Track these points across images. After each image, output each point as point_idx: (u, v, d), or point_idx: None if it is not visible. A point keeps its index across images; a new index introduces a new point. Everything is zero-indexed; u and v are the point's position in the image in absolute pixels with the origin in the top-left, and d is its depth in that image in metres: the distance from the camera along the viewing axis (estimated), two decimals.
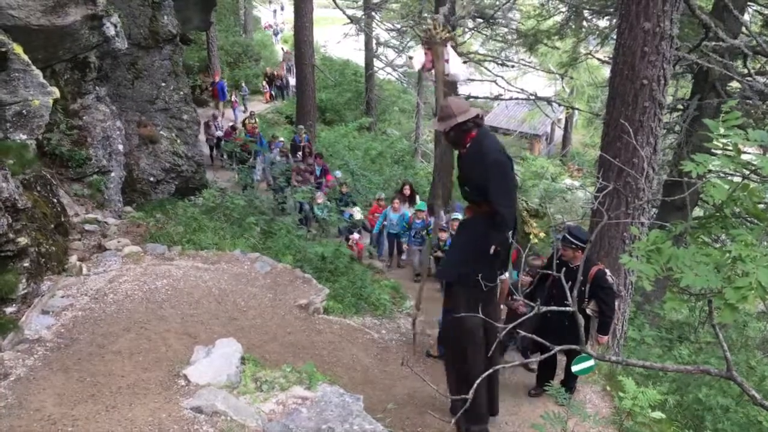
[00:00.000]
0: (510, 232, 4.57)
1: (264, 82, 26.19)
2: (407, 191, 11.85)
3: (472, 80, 18.51)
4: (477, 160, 4.66)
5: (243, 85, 24.10)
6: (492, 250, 4.64)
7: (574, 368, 5.42)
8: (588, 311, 5.72)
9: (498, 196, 4.54)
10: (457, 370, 5.17)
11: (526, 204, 4.87)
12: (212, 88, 21.46)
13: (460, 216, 8.57)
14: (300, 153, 15.72)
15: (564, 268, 5.41)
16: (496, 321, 5.31)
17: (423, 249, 10.23)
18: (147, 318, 5.42)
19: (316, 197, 12.23)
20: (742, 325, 9.48)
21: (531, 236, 4.76)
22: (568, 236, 5.56)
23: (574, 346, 3.25)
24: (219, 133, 16.95)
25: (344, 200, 13.02)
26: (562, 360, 6.20)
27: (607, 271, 5.77)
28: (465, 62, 4.65)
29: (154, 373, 4.42)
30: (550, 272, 5.06)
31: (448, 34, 4.74)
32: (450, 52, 4.81)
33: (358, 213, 11.71)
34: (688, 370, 3.11)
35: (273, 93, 26.42)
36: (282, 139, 17.31)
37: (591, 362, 5.37)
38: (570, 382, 6.03)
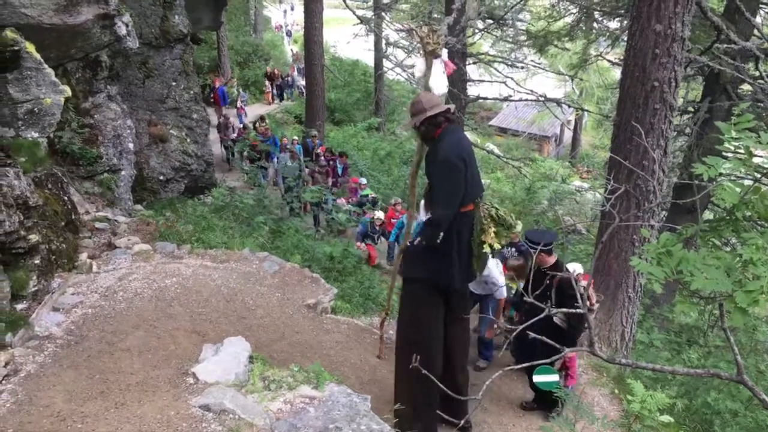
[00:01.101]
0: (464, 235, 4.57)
1: (267, 83, 26.02)
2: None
3: (482, 81, 18.46)
4: (432, 156, 4.59)
5: (242, 91, 23.68)
6: (415, 242, 4.74)
7: (536, 378, 5.15)
8: (556, 320, 5.47)
9: (437, 196, 4.52)
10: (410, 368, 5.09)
11: (496, 212, 4.70)
12: (213, 94, 20.46)
13: None
14: (313, 156, 15.49)
15: (547, 275, 5.42)
16: (462, 335, 5.16)
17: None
18: (156, 316, 5.45)
19: (338, 203, 11.99)
20: (751, 329, 9.42)
21: (485, 246, 4.59)
22: (527, 242, 5.41)
23: (578, 346, 3.22)
24: (234, 135, 16.98)
25: (367, 203, 12.69)
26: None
27: (578, 277, 5.41)
28: (444, 72, 4.60)
29: (163, 371, 4.44)
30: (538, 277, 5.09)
31: (438, 45, 4.66)
32: (435, 64, 4.75)
33: (381, 215, 11.19)
34: (699, 373, 3.10)
35: (273, 93, 26.17)
36: (295, 138, 17.27)
37: (555, 377, 5.06)
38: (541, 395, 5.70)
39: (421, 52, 4.67)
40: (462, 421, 4.20)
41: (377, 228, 11.01)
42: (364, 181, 14.43)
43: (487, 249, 4.57)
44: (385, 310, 6.13)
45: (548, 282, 5.24)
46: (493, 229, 4.62)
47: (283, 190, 13.64)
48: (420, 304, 4.88)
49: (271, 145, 15.87)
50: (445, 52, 4.72)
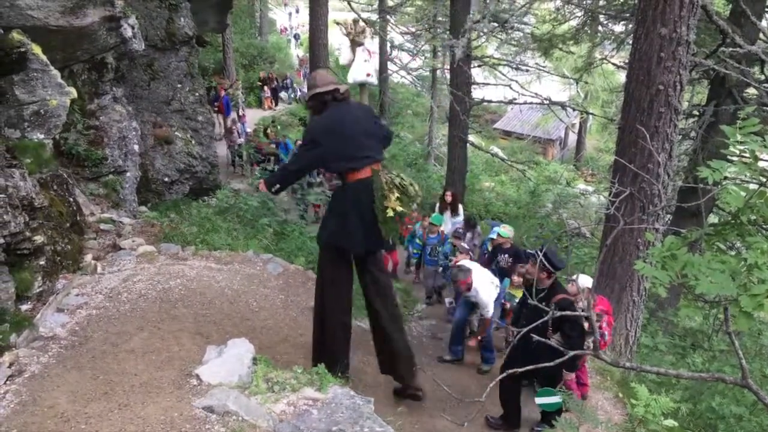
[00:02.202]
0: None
1: (266, 88, 25.84)
2: (449, 197, 10.60)
3: (487, 84, 18.45)
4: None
5: (241, 96, 23.42)
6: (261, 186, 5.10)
7: (538, 400, 5.23)
8: (552, 342, 5.46)
9: (296, 153, 4.94)
10: (315, 316, 5.40)
11: (400, 181, 4.87)
12: (218, 103, 19.98)
13: (494, 236, 8.32)
14: None
15: (544, 292, 5.39)
16: (383, 292, 5.37)
17: (439, 269, 9.33)
18: (160, 317, 5.46)
19: None
20: (756, 334, 9.39)
21: (388, 210, 4.76)
22: (541, 256, 5.30)
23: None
24: (241, 140, 16.97)
25: None
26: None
27: (576, 300, 5.45)
28: (366, 60, 4.91)
29: (167, 372, 4.44)
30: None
31: (360, 35, 5.01)
32: (358, 52, 5.10)
33: None
34: (703, 377, 3.10)
35: (271, 98, 26.02)
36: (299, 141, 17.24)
37: (557, 399, 5.08)
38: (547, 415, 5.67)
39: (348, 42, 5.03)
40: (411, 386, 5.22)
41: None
42: None
43: (390, 213, 4.75)
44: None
45: (544, 303, 5.28)
46: (396, 195, 4.82)
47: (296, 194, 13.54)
48: (326, 267, 5.26)
49: (282, 150, 15.73)
50: (367, 42, 5.00)
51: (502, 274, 7.85)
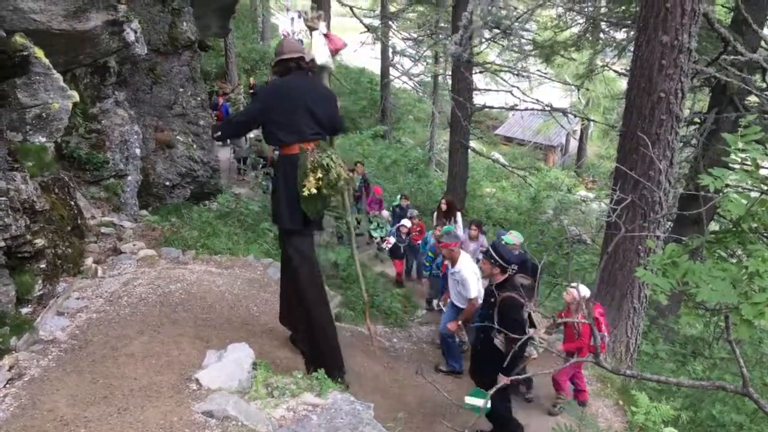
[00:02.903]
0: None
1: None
2: (444, 206, 10.46)
3: (488, 90, 18.49)
4: None
5: (242, 105, 22.92)
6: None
7: (467, 399, 5.12)
8: (496, 343, 5.29)
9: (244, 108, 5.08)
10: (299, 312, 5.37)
11: (327, 160, 4.90)
12: (217, 111, 19.21)
13: (515, 240, 8.21)
14: None
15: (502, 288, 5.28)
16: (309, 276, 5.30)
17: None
18: (160, 321, 5.45)
19: (385, 217, 11.61)
20: (757, 341, 9.38)
21: (304, 190, 4.80)
22: (491, 250, 5.28)
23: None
24: (247, 146, 16.94)
25: (402, 214, 11.94)
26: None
27: (522, 301, 5.17)
28: (326, 44, 5.08)
29: (167, 377, 4.44)
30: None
31: (315, 20, 5.16)
32: (315, 36, 5.21)
33: (408, 222, 10.72)
34: (704, 385, 3.09)
35: None
36: None
37: (483, 402, 4.94)
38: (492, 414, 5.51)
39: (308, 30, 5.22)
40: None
41: (403, 238, 10.42)
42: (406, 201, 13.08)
43: (306, 192, 4.77)
44: (366, 301, 6.14)
45: (493, 300, 5.21)
46: (318, 175, 4.80)
47: None
48: (291, 249, 5.22)
49: None
50: (322, 26, 5.19)
51: None
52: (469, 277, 6.56)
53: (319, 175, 4.80)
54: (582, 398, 6.40)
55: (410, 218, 10.76)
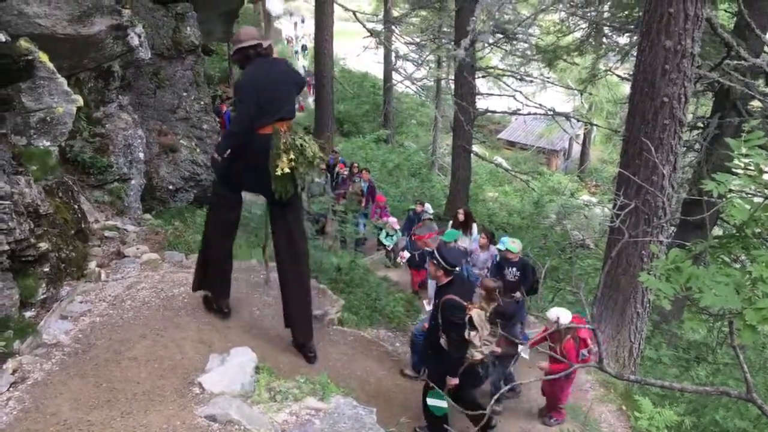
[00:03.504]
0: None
1: None
2: (461, 216, 9.96)
3: (491, 94, 18.51)
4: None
5: None
6: (213, 159, 5.31)
7: (429, 401, 5.15)
8: (441, 342, 5.30)
9: (235, 116, 5.45)
10: (200, 253, 5.81)
11: (300, 140, 5.02)
12: (220, 118, 18.22)
13: (503, 247, 8.16)
14: (340, 175, 14.71)
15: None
16: (287, 247, 5.57)
17: None
18: (163, 325, 5.45)
19: (390, 224, 11.40)
20: (761, 347, 9.36)
21: (278, 170, 4.91)
22: (436, 252, 5.29)
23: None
24: None
25: (416, 219, 11.60)
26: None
27: (463, 304, 5.12)
28: None
29: (170, 381, 4.44)
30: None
31: None
32: None
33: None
34: (708, 391, 3.08)
35: None
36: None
37: (444, 404, 5.04)
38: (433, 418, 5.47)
39: None
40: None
41: (418, 246, 9.97)
42: (429, 207, 12.38)
43: (279, 172, 4.95)
44: (263, 246, 6.60)
45: (437, 301, 5.25)
46: (291, 156, 4.99)
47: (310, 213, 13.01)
48: (213, 206, 5.74)
49: None
50: None
51: (508, 288, 7.75)
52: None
53: (292, 156, 5.00)
54: (558, 417, 6.26)
55: (427, 220, 10.57)
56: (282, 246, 5.56)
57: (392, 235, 11.34)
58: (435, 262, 5.19)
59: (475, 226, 9.94)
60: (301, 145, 5.05)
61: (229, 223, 5.65)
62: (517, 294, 7.40)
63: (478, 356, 5.15)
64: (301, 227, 5.75)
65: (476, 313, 5.03)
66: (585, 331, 5.68)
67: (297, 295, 5.65)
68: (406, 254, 10.23)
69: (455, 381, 5.20)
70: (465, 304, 5.07)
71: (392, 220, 11.66)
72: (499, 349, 6.16)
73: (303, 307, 5.72)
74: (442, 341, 5.24)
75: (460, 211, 10.18)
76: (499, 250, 8.32)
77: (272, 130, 5.00)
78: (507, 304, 6.41)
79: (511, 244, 7.64)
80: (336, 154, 15.84)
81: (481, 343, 5.09)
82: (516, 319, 6.37)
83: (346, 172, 14.64)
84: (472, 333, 5.00)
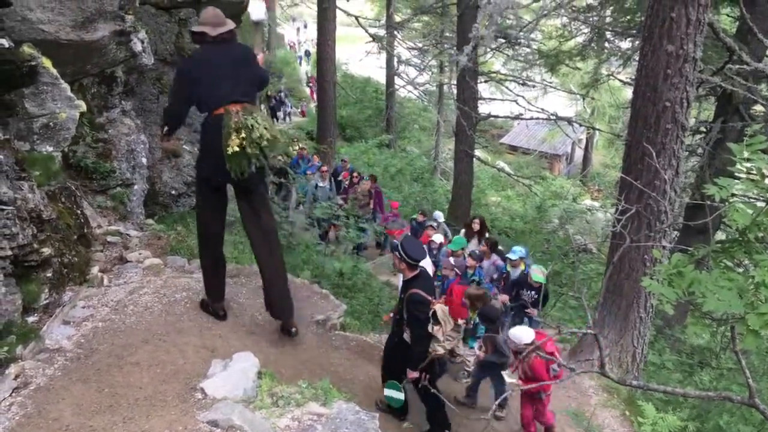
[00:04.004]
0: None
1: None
2: (476, 225, 9.88)
3: (493, 99, 18.53)
4: None
5: None
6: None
7: (386, 392, 5.34)
8: (405, 337, 5.40)
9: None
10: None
11: (251, 121, 5.14)
12: None
13: (513, 256, 8.08)
14: (346, 182, 14.54)
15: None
16: (259, 231, 5.68)
17: None
18: (166, 330, 5.46)
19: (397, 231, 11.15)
20: (764, 352, 9.32)
21: (228, 149, 5.05)
22: (399, 245, 5.33)
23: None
24: None
25: (418, 228, 11.55)
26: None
27: (427, 298, 5.19)
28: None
29: (172, 386, 4.44)
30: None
31: None
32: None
33: (440, 237, 10.08)
34: (710, 396, 3.07)
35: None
36: (316, 160, 16.89)
37: (401, 395, 5.25)
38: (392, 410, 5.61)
39: None
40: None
41: (434, 253, 9.59)
42: (440, 215, 12.33)
43: (230, 151, 5.06)
44: None
45: (402, 296, 5.35)
46: (242, 135, 5.10)
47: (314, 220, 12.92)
48: (198, 197, 5.94)
49: (295, 165, 15.57)
50: None
51: (523, 309, 7.69)
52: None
53: (243, 135, 5.10)
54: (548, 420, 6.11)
55: (432, 228, 10.43)
56: (252, 229, 5.71)
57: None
58: (398, 255, 5.26)
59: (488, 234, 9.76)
60: (252, 125, 5.16)
61: (214, 224, 5.77)
62: (503, 297, 7.40)
63: (441, 351, 5.20)
64: (267, 207, 5.88)
65: (440, 308, 5.13)
66: (551, 345, 5.57)
67: (272, 274, 5.77)
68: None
69: (415, 374, 5.29)
70: (429, 299, 5.16)
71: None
72: (482, 354, 6.24)
73: (278, 284, 5.84)
74: (406, 335, 5.35)
75: (476, 220, 10.10)
76: (509, 259, 8.23)
77: (224, 111, 5.18)
78: (490, 308, 6.42)
79: (538, 275, 7.52)
80: (345, 162, 15.80)
81: (444, 338, 5.19)
82: (500, 322, 6.34)
83: (348, 182, 14.61)
84: (435, 328, 5.10)
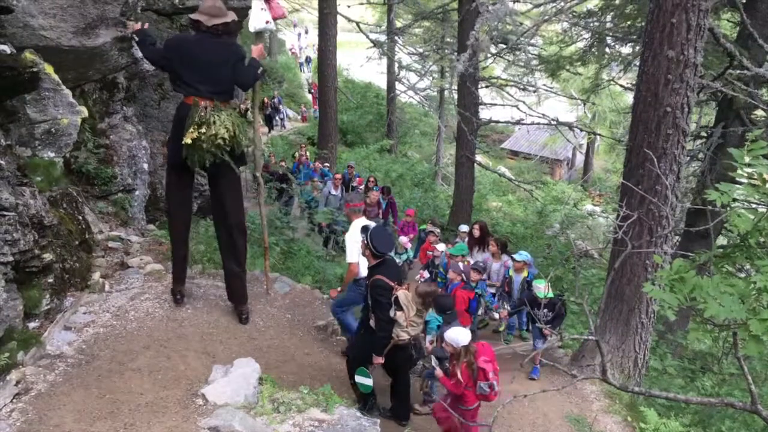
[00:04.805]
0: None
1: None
2: (477, 231, 9.65)
3: (494, 104, 18.54)
4: None
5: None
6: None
7: (356, 378, 5.39)
8: (371, 323, 5.44)
9: None
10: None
11: (214, 117, 5.22)
12: None
13: (519, 257, 7.97)
14: (360, 189, 14.15)
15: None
16: (224, 212, 5.90)
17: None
18: (167, 336, 5.46)
19: (402, 243, 11.10)
20: (767, 357, 9.29)
21: (186, 139, 5.20)
22: (366, 232, 5.39)
23: None
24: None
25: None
26: None
27: (390, 284, 5.20)
28: (263, 9, 5.65)
29: (173, 392, 4.44)
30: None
31: None
32: (254, 3, 5.75)
33: (443, 247, 9.74)
34: (712, 402, 3.07)
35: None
36: (327, 164, 16.75)
37: (369, 381, 5.30)
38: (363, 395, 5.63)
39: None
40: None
41: (436, 264, 9.45)
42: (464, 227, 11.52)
43: (188, 141, 5.27)
44: (264, 247, 7.07)
45: (367, 282, 5.44)
46: (202, 130, 5.28)
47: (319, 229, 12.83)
48: (166, 176, 6.08)
49: (295, 171, 15.53)
50: None
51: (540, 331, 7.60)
52: (348, 241, 6.58)
53: (203, 130, 5.27)
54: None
55: (435, 236, 10.23)
56: (215, 215, 6.05)
57: (401, 254, 11.07)
58: (365, 242, 5.35)
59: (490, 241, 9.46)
60: (213, 122, 5.31)
61: (177, 205, 5.95)
62: (502, 313, 7.32)
63: (404, 336, 5.21)
64: (234, 196, 5.94)
65: (403, 294, 5.19)
66: (488, 363, 5.21)
67: (230, 263, 6.03)
68: (426, 273, 10.21)
69: (380, 360, 5.36)
70: (392, 284, 5.22)
71: (403, 239, 11.38)
72: (430, 347, 6.30)
73: (236, 274, 6.08)
74: (372, 321, 5.40)
75: (476, 226, 9.86)
76: (514, 260, 8.22)
77: (193, 102, 5.37)
78: (444, 298, 6.39)
79: (542, 290, 7.29)
80: (351, 168, 15.77)
81: (408, 323, 5.23)
82: (453, 314, 6.31)
83: (362, 188, 14.30)
84: (398, 313, 5.18)
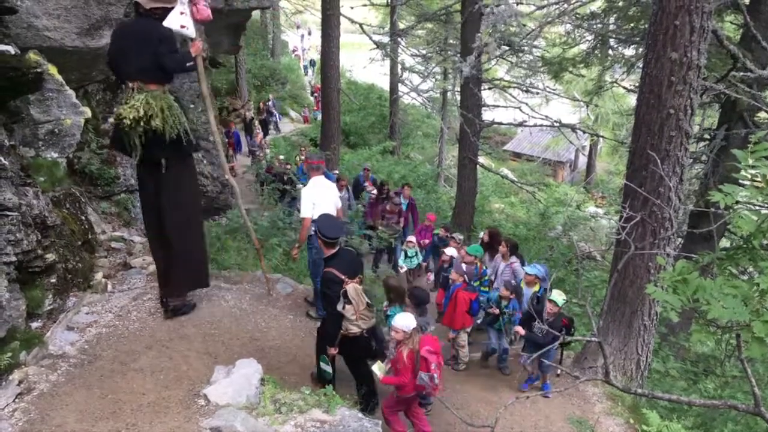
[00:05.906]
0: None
1: (255, 122, 22.73)
2: (486, 237, 9.37)
3: (497, 106, 18.53)
4: None
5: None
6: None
7: (321, 365, 5.39)
8: (341, 310, 5.35)
9: None
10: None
11: (139, 101, 5.18)
12: (228, 139, 18.38)
13: (531, 271, 7.85)
14: (372, 192, 13.79)
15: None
16: (159, 204, 5.76)
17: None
18: (169, 336, 5.46)
19: (407, 241, 10.92)
20: None
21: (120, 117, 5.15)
22: (317, 224, 5.45)
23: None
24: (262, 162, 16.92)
25: (439, 244, 11.16)
26: None
27: (339, 277, 5.18)
28: (182, 13, 5.52)
29: (175, 392, 4.44)
30: None
31: None
32: (177, 5, 5.48)
33: (453, 251, 9.58)
34: (715, 404, 3.06)
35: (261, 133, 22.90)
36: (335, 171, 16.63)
37: (329, 368, 5.31)
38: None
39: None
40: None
41: (446, 267, 9.25)
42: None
43: (111, 120, 5.45)
44: (257, 247, 6.96)
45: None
46: (127, 111, 5.20)
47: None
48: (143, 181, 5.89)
49: (301, 172, 15.52)
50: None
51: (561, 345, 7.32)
52: (303, 196, 6.66)
53: (128, 111, 5.20)
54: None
55: (455, 245, 9.94)
56: (160, 206, 5.81)
57: (412, 257, 10.81)
58: (315, 232, 5.43)
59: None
60: (132, 105, 5.22)
61: (144, 205, 5.94)
62: (516, 328, 7.17)
63: (354, 329, 5.18)
64: (171, 190, 5.76)
65: (352, 288, 5.16)
66: (432, 354, 5.15)
67: (165, 255, 5.90)
68: (431, 276, 10.17)
69: (334, 351, 5.33)
70: (342, 277, 5.18)
71: (411, 238, 11.09)
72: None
73: (167, 267, 5.94)
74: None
75: (486, 231, 9.67)
76: (526, 273, 7.97)
77: (125, 86, 5.38)
78: (419, 290, 6.48)
79: (554, 300, 7.00)
80: (367, 171, 15.66)
81: (358, 317, 5.20)
82: (423, 308, 6.29)
83: (373, 191, 13.87)
84: (347, 306, 5.14)
